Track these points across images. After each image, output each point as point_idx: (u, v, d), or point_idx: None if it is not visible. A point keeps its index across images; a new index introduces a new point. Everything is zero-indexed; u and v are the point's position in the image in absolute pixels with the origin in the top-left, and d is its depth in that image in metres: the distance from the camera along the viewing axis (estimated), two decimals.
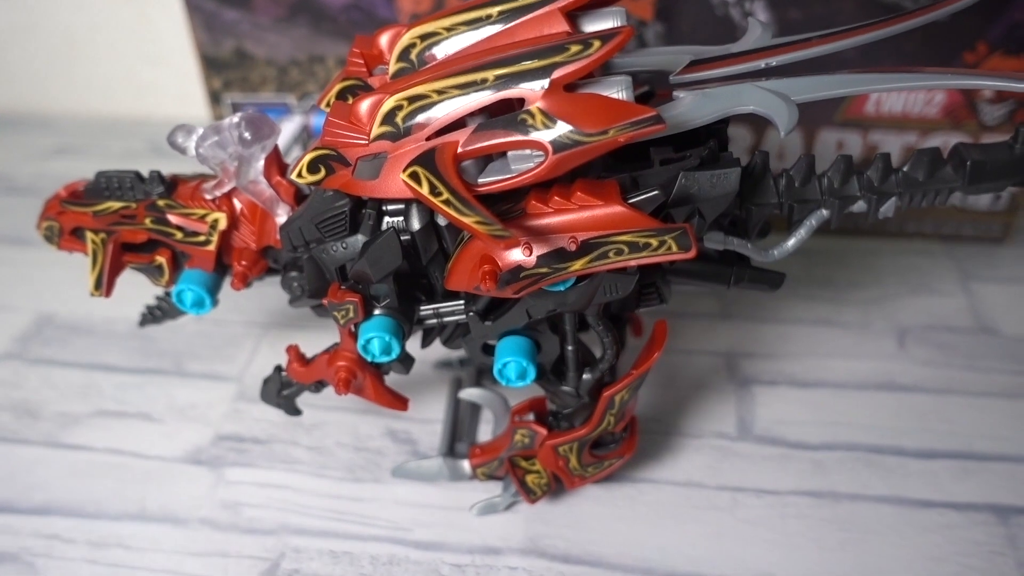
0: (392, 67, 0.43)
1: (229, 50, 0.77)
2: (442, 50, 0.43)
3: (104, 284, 0.49)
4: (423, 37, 0.43)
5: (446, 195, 0.38)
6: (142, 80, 0.99)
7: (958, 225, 0.75)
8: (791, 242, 0.46)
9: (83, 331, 0.68)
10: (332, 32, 0.75)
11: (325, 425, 0.59)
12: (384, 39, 0.45)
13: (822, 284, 0.71)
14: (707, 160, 0.42)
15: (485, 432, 0.58)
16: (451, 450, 0.55)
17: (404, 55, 0.43)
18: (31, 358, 0.66)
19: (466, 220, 0.37)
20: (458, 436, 0.57)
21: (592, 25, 0.42)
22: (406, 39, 0.43)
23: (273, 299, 0.68)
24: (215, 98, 0.80)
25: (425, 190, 0.38)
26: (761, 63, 0.43)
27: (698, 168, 0.42)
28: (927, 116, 0.70)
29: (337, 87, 0.45)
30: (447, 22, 0.43)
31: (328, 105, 0.46)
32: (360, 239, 0.44)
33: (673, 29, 0.69)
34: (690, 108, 0.40)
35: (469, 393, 0.52)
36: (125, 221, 0.48)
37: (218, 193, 0.47)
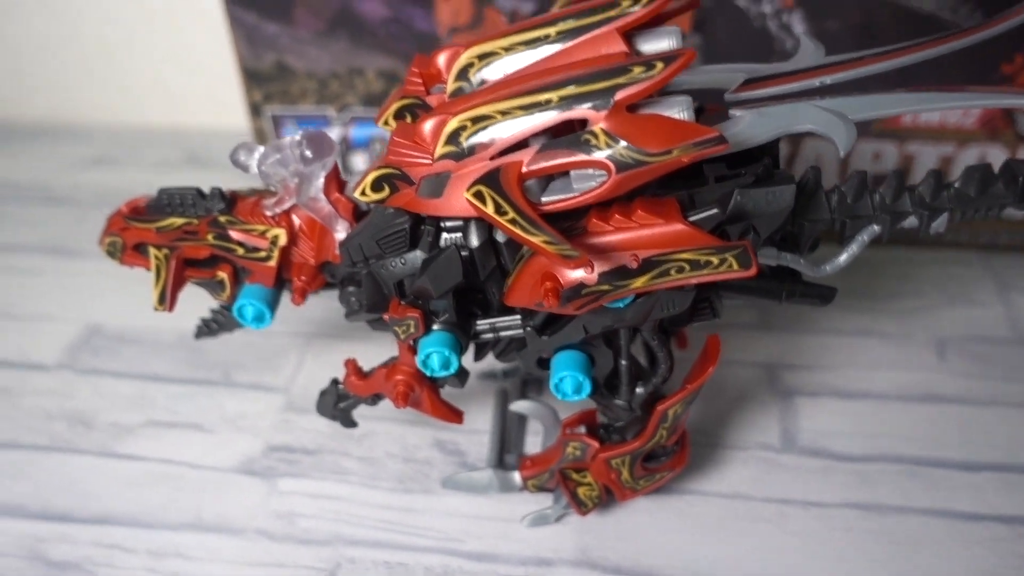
0: (450, 86, 0.44)
1: (270, 63, 0.78)
2: (500, 69, 0.43)
3: (168, 299, 0.50)
4: (481, 56, 0.44)
5: (512, 214, 0.39)
6: (177, 90, 1.00)
7: (994, 235, 0.75)
8: (843, 257, 0.46)
9: (131, 341, 0.69)
10: (371, 45, 0.76)
11: (374, 435, 0.60)
12: (442, 58, 0.46)
13: (860, 294, 0.71)
14: (761, 177, 0.43)
15: (532, 443, 0.59)
16: (500, 461, 0.56)
17: (462, 74, 0.44)
18: (81, 368, 0.67)
19: (534, 240, 0.38)
20: (506, 447, 0.57)
21: (648, 45, 0.43)
22: (464, 59, 0.44)
23: (317, 310, 0.69)
24: (255, 110, 0.81)
25: (490, 209, 0.39)
26: (816, 81, 0.43)
27: (753, 185, 0.42)
28: (964, 127, 0.70)
29: (395, 105, 0.46)
30: (505, 42, 0.43)
31: (386, 123, 0.46)
32: (419, 255, 0.45)
33: (711, 41, 0.70)
34: (748, 127, 0.41)
35: (520, 406, 0.53)
36: (187, 237, 0.49)
37: (278, 210, 0.48)
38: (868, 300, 0.71)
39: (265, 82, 0.79)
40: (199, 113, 1.00)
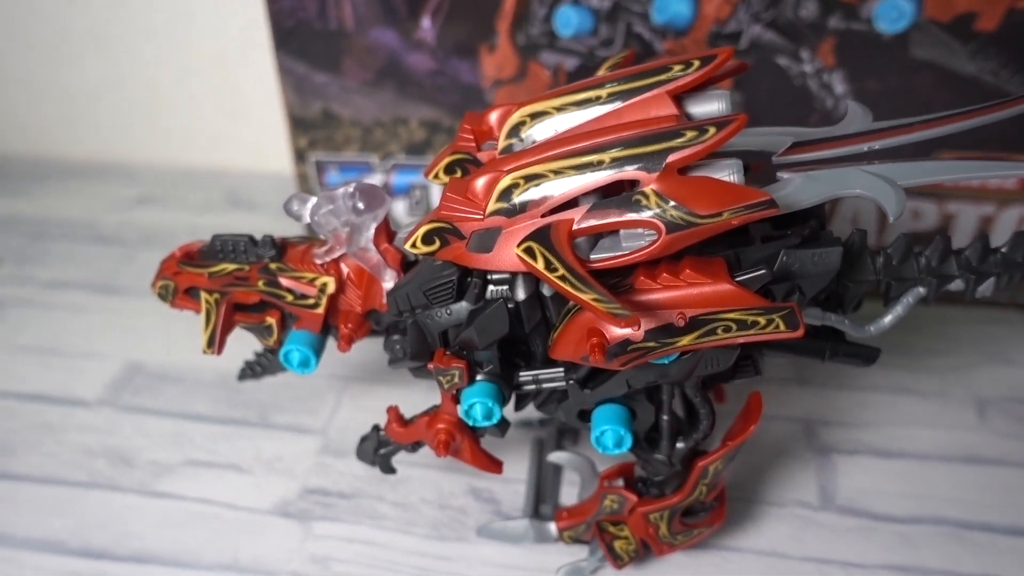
0: (501, 143, 0.45)
1: (316, 111, 0.80)
2: (551, 128, 0.45)
3: (216, 342, 0.51)
4: (533, 115, 0.45)
5: (562, 271, 0.39)
6: (221, 134, 1.03)
7: None
8: (888, 319, 0.47)
9: (171, 379, 0.71)
10: (416, 96, 0.78)
11: (409, 481, 0.60)
12: (494, 116, 0.47)
13: (897, 351, 0.71)
14: (808, 238, 0.43)
15: (567, 493, 0.59)
16: (536, 511, 0.56)
17: (513, 132, 0.45)
18: (123, 405, 0.68)
19: (584, 297, 0.38)
20: (542, 497, 0.57)
21: (698, 107, 0.44)
22: (516, 117, 0.45)
23: (354, 353, 0.69)
24: (300, 156, 0.83)
25: (540, 265, 0.40)
26: (864, 147, 0.44)
27: (799, 246, 0.43)
28: (1005, 187, 0.70)
29: (446, 160, 0.47)
30: (556, 102, 0.44)
31: (436, 176, 0.48)
32: (465, 306, 0.46)
33: (751, 99, 0.71)
34: (797, 190, 0.42)
35: (558, 457, 0.53)
36: (238, 282, 0.50)
37: (328, 259, 0.49)
38: (905, 357, 0.71)
39: (311, 129, 0.81)
40: (242, 156, 1.03)
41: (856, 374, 0.69)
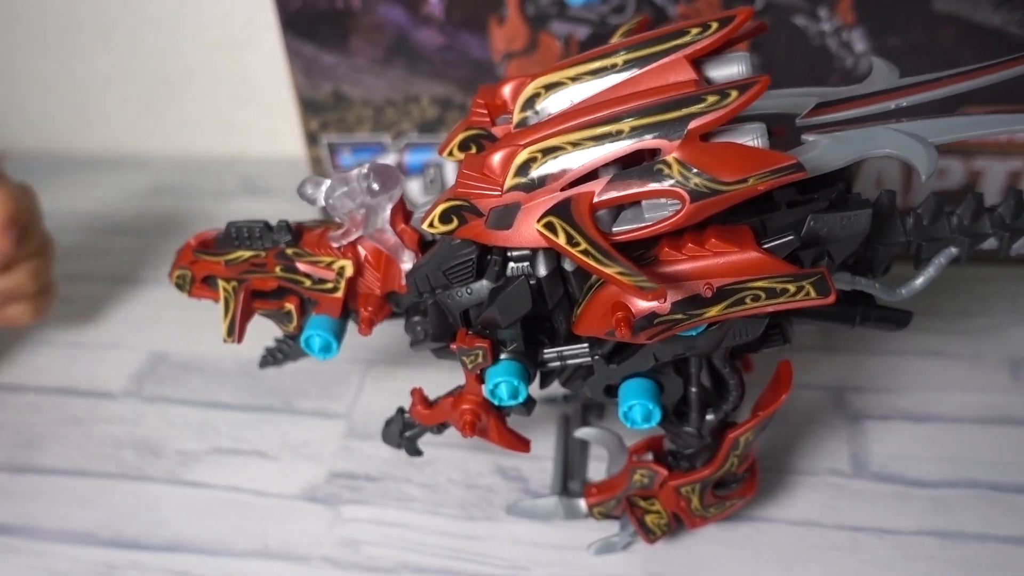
0: (516, 116, 0.44)
1: (327, 92, 0.79)
2: (566, 99, 0.43)
3: (236, 331, 0.50)
4: (547, 87, 0.44)
5: (585, 245, 0.38)
6: (234, 121, 1.02)
7: None
8: (920, 280, 0.45)
9: (195, 369, 0.71)
10: (427, 73, 0.76)
11: (436, 462, 0.60)
12: (507, 89, 0.46)
13: (929, 314, 0.69)
14: (835, 202, 0.42)
15: (594, 469, 0.58)
16: (564, 488, 0.56)
17: (528, 105, 0.44)
18: (148, 396, 0.68)
19: (608, 271, 0.37)
20: (570, 474, 0.57)
21: (717, 71, 0.42)
22: (530, 89, 0.44)
23: (375, 336, 0.69)
24: (312, 139, 0.82)
25: (562, 240, 0.39)
26: (891, 104, 0.42)
27: (827, 210, 0.42)
28: None
29: (460, 136, 0.46)
30: (571, 72, 0.43)
31: (450, 154, 0.47)
32: (486, 285, 0.45)
33: (769, 60, 0.69)
34: (824, 152, 0.40)
35: (585, 432, 0.53)
36: (255, 269, 0.50)
37: (345, 241, 0.49)
38: (936, 319, 0.69)
39: (322, 111, 0.80)
40: (256, 142, 1.02)
41: (885, 339, 0.67)
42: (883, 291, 0.46)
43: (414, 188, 0.83)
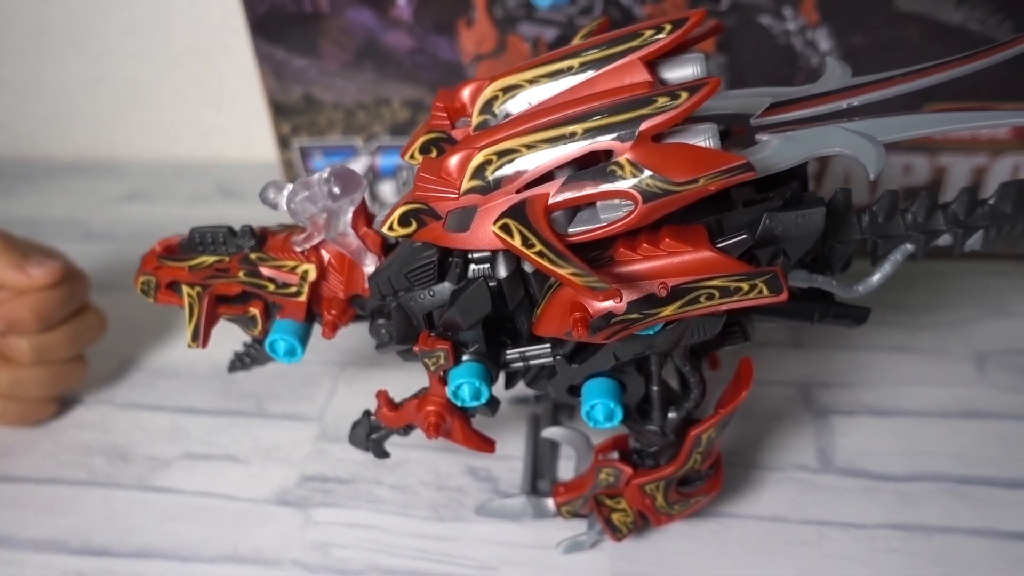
0: (475, 119, 0.45)
1: (297, 96, 0.79)
2: (524, 101, 0.44)
3: (201, 336, 0.50)
4: (505, 89, 0.44)
5: (539, 246, 0.39)
6: (207, 126, 1.02)
7: None
8: (876, 277, 0.46)
9: (167, 374, 0.71)
10: (397, 75, 0.77)
11: (407, 464, 0.60)
12: (466, 92, 0.46)
13: (894, 309, 0.70)
14: (790, 200, 0.43)
15: (564, 468, 0.59)
16: (533, 488, 0.56)
17: (486, 107, 0.44)
18: (119, 402, 0.68)
19: (562, 272, 0.38)
20: (539, 474, 0.57)
21: (672, 72, 0.43)
22: (488, 92, 0.44)
23: (347, 338, 0.69)
24: (284, 142, 0.82)
25: (517, 242, 0.39)
26: (843, 103, 0.43)
27: (782, 208, 0.42)
28: (997, 137, 0.69)
29: (421, 139, 0.47)
30: (529, 74, 0.44)
31: (412, 157, 0.47)
32: (447, 287, 0.45)
33: (735, 60, 0.70)
34: (776, 152, 0.41)
35: (552, 432, 0.53)
36: (219, 274, 0.50)
37: (308, 245, 0.49)
38: (902, 314, 0.70)
39: (293, 115, 0.80)
40: (230, 147, 1.02)
41: (852, 335, 0.68)
42: (840, 288, 0.46)
43: (387, 191, 0.83)
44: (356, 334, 0.65)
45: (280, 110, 0.80)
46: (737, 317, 0.46)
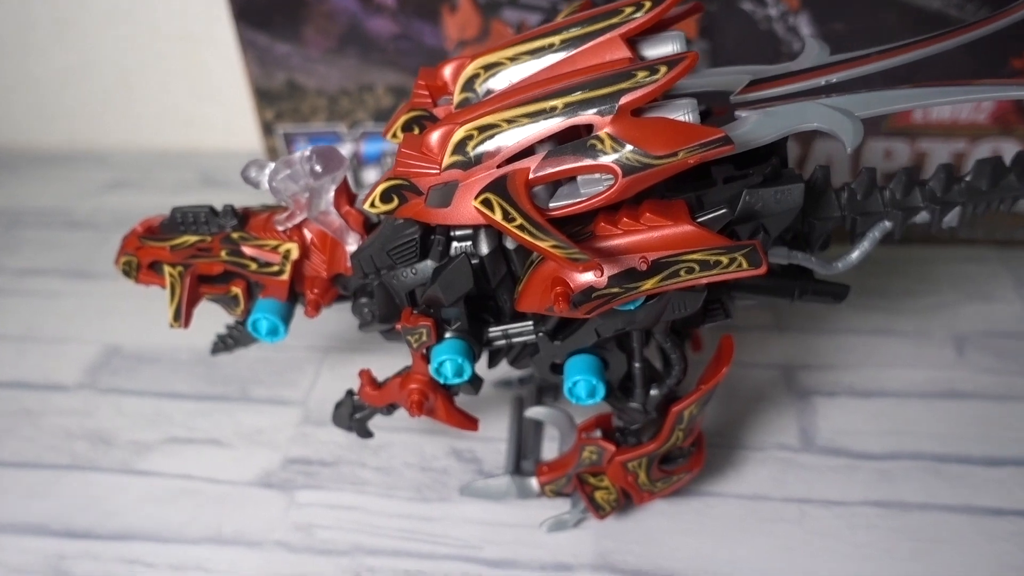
0: (456, 97, 0.45)
1: (281, 82, 0.79)
2: (505, 79, 0.44)
3: (183, 315, 0.50)
4: (486, 67, 0.44)
5: (520, 220, 0.39)
6: (191, 114, 1.01)
7: (1011, 230, 0.74)
8: (855, 254, 0.46)
9: (149, 360, 0.70)
10: (381, 61, 0.77)
11: (391, 446, 0.60)
12: (448, 70, 0.47)
13: (876, 293, 0.71)
14: (770, 177, 0.43)
15: (549, 449, 0.59)
16: (517, 468, 0.56)
17: (468, 85, 0.44)
18: (102, 388, 0.68)
19: (542, 244, 0.38)
20: (523, 454, 0.57)
21: (652, 50, 0.43)
22: (470, 70, 0.44)
23: (332, 323, 0.70)
24: (268, 129, 0.82)
25: (498, 216, 0.39)
26: (821, 80, 0.43)
27: (761, 185, 0.42)
28: (976, 122, 0.70)
29: (403, 118, 0.47)
30: (510, 52, 0.44)
31: (394, 136, 0.47)
32: (430, 264, 0.45)
33: (717, 46, 0.70)
34: (755, 127, 0.41)
35: (535, 411, 0.53)
36: (201, 254, 0.50)
37: (290, 224, 0.49)
38: (884, 299, 0.71)
39: (276, 101, 0.80)
40: (213, 135, 1.02)
41: (834, 318, 0.69)
42: (820, 265, 0.46)
43: (372, 177, 0.83)
44: (339, 319, 0.65)
45: (264, 96, 0.80)
46: (718, 294, 0.47)
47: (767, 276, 0.48)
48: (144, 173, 0.99)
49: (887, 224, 0.46)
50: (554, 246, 0.38)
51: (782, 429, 0.59)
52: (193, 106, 1.01)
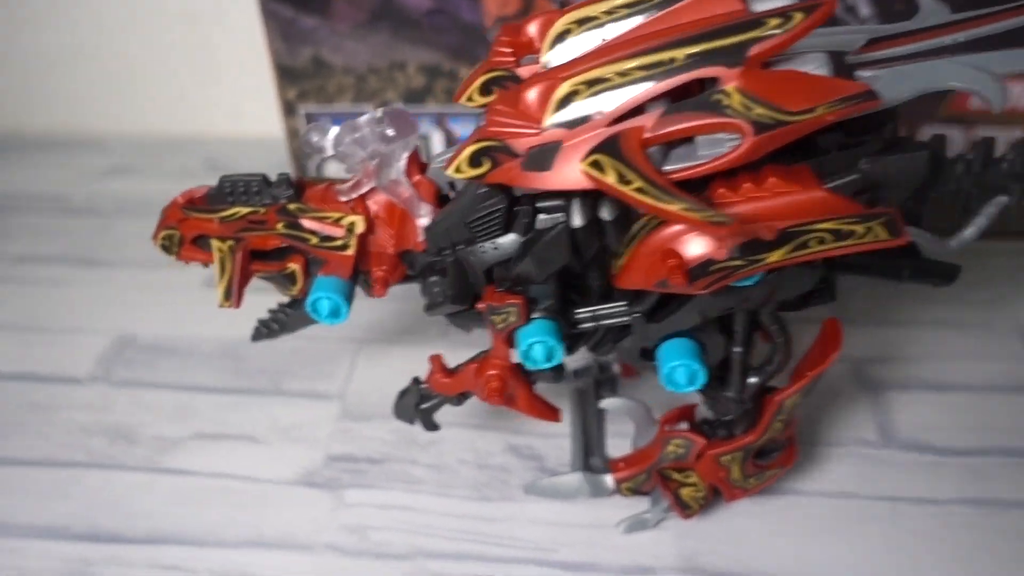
0: (544, 55, 0.41)
1: (306, 59, 0.74)
2: (599, 36, 0.40)
3: (234, 294, 0.45)
4: (580, 22, 0.40)
5: (639, 183, 0.35)
6: (197, 98, 0.96)
7: None
8: (969, 231, 0.43)
9: (167, 351, 0.65)
10: (413, 38, 0.72)
11: (441, 442, 0.56)
12: (533, 27, 0.43)
13: None
14: (889, 144, 0.40)
15: (613, 445, 0.55)
16: (586, 464, 0.52)
17: (558, 41, 0.41)
18: (117, 380, 0.62)
19: (672, 207, 0.34)
20: (590, 450, 0.53)
21: (764, 3, 0.39)
22: (560, 24, 0.41)
23: (365, 312, 0.65)
24: (289, 108, 0.77)
25: (611, 179, 0.36)
26: (947, 39, 0.40)
27: (880, 153, 0.39)
28: None
29: (481, 79, 0.43)
30: (606, 5, 0.40)
31: (469, 99, 0.43)
32: (514, 238, 0.41)
33: None
34: (886, 86, 0.38)
35: (612, 403, 0.49)
36: (253, 227, 0.45)
37: (355, 194, 0.44)
38: (944, 291, 0.68)
39: (300, 79, 0.75)
40: (220, 121, 0.96)
41: (895, 309, 0.66)
42: (934, 242, 0.43)
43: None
44: (372, 307, 0.61)
45: (286, 73, 0.75)
46: (826, 273, 0.43)
47: (875, 254, 0.44)
48: (145, 159, 0.94)
49: (1004, 199, 0.43)
50: (687, 208, 0.34)
51: (859, 424, 0.56)
52: (199, 90, 0.95)
